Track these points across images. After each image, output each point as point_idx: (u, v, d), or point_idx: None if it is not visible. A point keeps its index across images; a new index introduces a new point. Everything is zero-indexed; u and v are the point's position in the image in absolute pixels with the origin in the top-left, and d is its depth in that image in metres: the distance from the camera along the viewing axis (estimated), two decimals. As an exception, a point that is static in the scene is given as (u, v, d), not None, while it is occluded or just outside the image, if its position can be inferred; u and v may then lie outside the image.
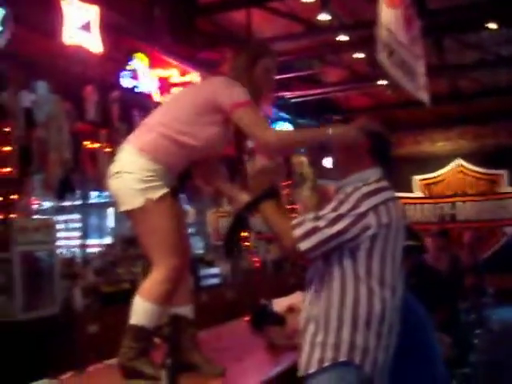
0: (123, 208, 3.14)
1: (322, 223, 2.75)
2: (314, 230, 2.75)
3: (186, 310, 3.37)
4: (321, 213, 2.80)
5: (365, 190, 2.84)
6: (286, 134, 3.18)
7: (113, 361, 3.25)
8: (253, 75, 3.24)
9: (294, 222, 2.81)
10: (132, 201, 3.09)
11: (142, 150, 3.10)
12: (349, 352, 2.76)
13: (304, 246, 2.76)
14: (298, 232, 2.77)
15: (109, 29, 7.91)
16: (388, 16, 5.67)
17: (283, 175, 3.25)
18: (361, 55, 11.49)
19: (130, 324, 3.07)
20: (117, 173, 3.14)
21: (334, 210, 2.79)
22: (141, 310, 3.07)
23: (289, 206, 13.06)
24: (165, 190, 3.10)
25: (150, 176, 3.08)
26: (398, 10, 6.11)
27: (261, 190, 2.98)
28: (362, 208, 2.77)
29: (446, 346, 5.15)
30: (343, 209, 2.78)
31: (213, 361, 3.29)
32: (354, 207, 2.77)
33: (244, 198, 3.25)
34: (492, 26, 9.85)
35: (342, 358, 2.76)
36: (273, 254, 9.63)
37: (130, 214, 3.18)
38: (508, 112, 15.04)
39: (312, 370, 2.81)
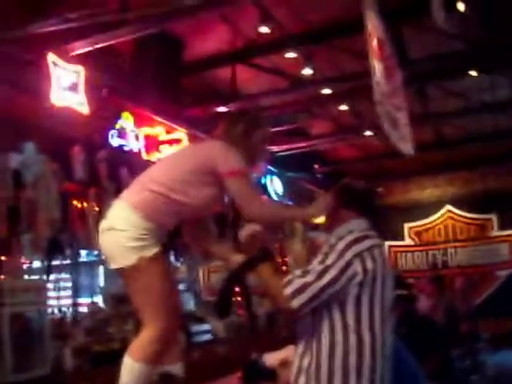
0: (115, 265, 3.14)
1: (310, 278, 2.77)
2: (303, 287, 2.76)
3: (175, 368, 3.35)
4: (308, 267, 2.82)
5: (349, 238, 2.88)
6: (268, 211, 3.21)
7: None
8: (249, 144, 3.32)
9: (284, 280, 2.82)
10: (125, 259, 3.09)
11: (135, 208, 3.12)
12: None
13: (296, 303, 2.77)
14: (288, 290, 2.78)
15: (95, 88, 7.99)
16: (375, 68, 5.77)
17: (276, 239, 3.31)
18: (345, 107, 11.62)
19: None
20: (109, 229, 3.14)
21: (321, 262, 2.81)
22: (130, 371, 3.05)
23: (279, 259, 13.06)
24: (157, 249, 3.12)
25: (144, 234, 3.09)
26: (381, 62, 6.21)
27: (254, 251, 3.00)
28: (347, 257, 2.80)
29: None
30: (329, 260, 2.80)
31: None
32: (339, 257, 2.80)
33: (237, 258, 3.22)
34: (473, 73, 10.00)
35: None
36: (265, 308, 9.55)
37: (122, 272, 3.18)
38: (494, 157, 15.17)
39: None
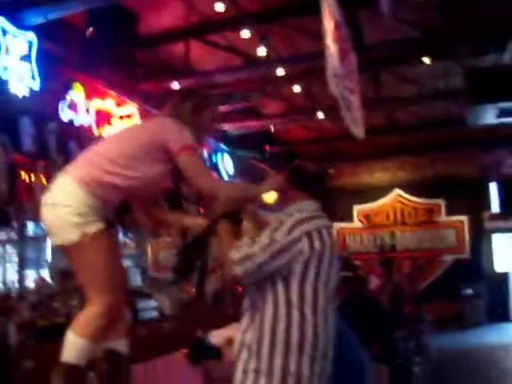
0: (57, 241, 3.11)
1: (256, 249, 2.81)
2: (249, 256, 2.80)
3: (120, 345, 3.33)
4: (257, 239, 2.86)
5: (298, 216, 2.92)
6: (219, 185, 3.19)
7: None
8: (197, 122, 3.33)
9: (234, 246, 2.85)
10: (67, 235, 3.07)
11: (80, 183, 3.08)
12: (282, 379, 2.77)
13: (239, 270, 2.81)
14: (234, 256, 2.82)
15: (46, 58, 7.84)
16: (331, 49, 5.77)
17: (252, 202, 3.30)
18: (298, 89, 11.62)
19: (62, 361, 3.02)
20: (52, 204, 3.10)
21: (269, 236, 2.84)
22: (74, 346, 3.03)
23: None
24: (101, 225, 3.08)
25: (87, 210, 3.05)
26: (336, 43, 6.22)
27: (223, 212, 3.01)
28: (295, 234, 2.84)
29: (384, 375, 5.20)
30: (277, 235, 2.84)
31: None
32: (287, 233, 2.84)
33: (201, 221, 3.26)
34: (426, 60, 10.09)
35: None
36: (212, 285, 9.55)
37: (64, 248, 3.15)
38: (445, 143, 15.37)
39: None
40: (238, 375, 2.87)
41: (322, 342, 2.85)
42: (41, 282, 8.66)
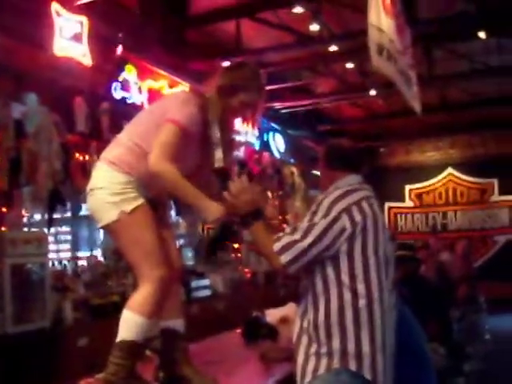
0: (100, 224, 3.15)
1: (297, 235, 2.80)
2: (290, 244, 2.79)
3: (176, 324, 3.33)
4: (297, 225, 2.85)
5: (335, 194, 2.89)
6: (159, 167, 3.02)
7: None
8: (228, 103, 3.23)
9: (275, 237, 2.85)
10: (106, 215, 3.09)
11: (111, 164, 3.11)
12: (341, 359, 2.76)
13: (283, 259, 2.79)
14: (276, 247, 2.81)
15: (99, 40, 7.89)
16: (385, 23, 5.65)
17: (265, 198, 3.26)
18: (351, 65, 11.50)
19: (119, 339, 3.04)
20: (90, 190, 3.15)
21: (309, 220, 2.83)
22: (129, 324, 3.04)
23: (280, 217, 13.07)
24: (139, 201, 3.08)
25: (122, 188, 3.07)
26: (392, 19, 6.10)
27: (246, 210, 2.97)
28: (334, 212, 2.81)
29: (440, 356, 5.14)
30: (316, 217, 2.82)
31: (204, 374, 3.25)
32: (325, 214, 2.81)
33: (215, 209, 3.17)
34: (481, 35, 9.86)
35: (336, 365, 2.76)
36: (264, 265, 9.58)
37: (107, 229, 3.20)
38: (497, 121, 15.09)
39: (307, 380, 2.80)
40: (300, 360, 2.86)
41: (379, 316, 2.80)
42: (94, 261, 8.76)
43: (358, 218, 2.82)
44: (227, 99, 3.22)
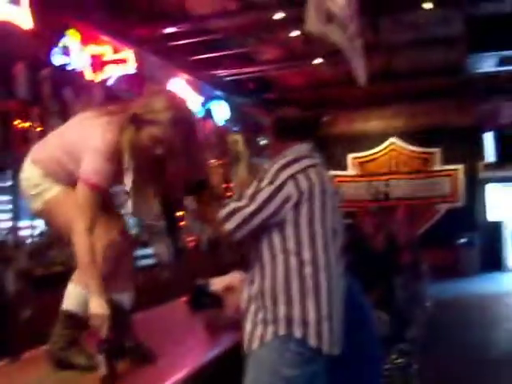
0: (33, 210, 3.18)
1: (242, 202, 2.79)
2: (235, 210, 2.78)
3: (123, 297, 3.27)
4: (244, 192, 2.84)
5: (282, 162, 2.87)
6: (79, 244, 2.87)
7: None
8: (137, 135, 2.90)
9: (221, 204, 2.85)
10: (34, 205, 3.12)
11: (34, 162, 3.11)
12: (287, 327, 2.77)
13: (228, 226, 2.79)
14: (222, 214, 2.80)
15: (40, 3, 7.66)
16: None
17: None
18: (297, 33, 11.43)
19: (62, 310, 3.00)
20: (20, 180, 3.17)
21: (255, 187, 2.82)
22: (73, 295, 3.00)
23: (224, 185, 13.05)
24: (59, 187, 3.06)
25: (39, 180, 3.08)
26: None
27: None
28: (280, 179, 2.80)
29: (383, 323, 5.20)
30: (262, 184, 2.81)
31: (148, 345, 3.21)
32: (271, 181, 2.80)
33: None
34: (428, 5, 9.91)
35: (282, 333, 2.77)
36: (208, 233, 9.57)
37: (38, 216, 3.33)
38: (441, 92, 15.26)
39: (254, 347, 2.82)
40: (248, 327, 2.87)
41: (326, 284, 2.81)
42: (36, 231, 8.61)
43: (304, 185, 2.81)
44: (137, 131, 2.90)
